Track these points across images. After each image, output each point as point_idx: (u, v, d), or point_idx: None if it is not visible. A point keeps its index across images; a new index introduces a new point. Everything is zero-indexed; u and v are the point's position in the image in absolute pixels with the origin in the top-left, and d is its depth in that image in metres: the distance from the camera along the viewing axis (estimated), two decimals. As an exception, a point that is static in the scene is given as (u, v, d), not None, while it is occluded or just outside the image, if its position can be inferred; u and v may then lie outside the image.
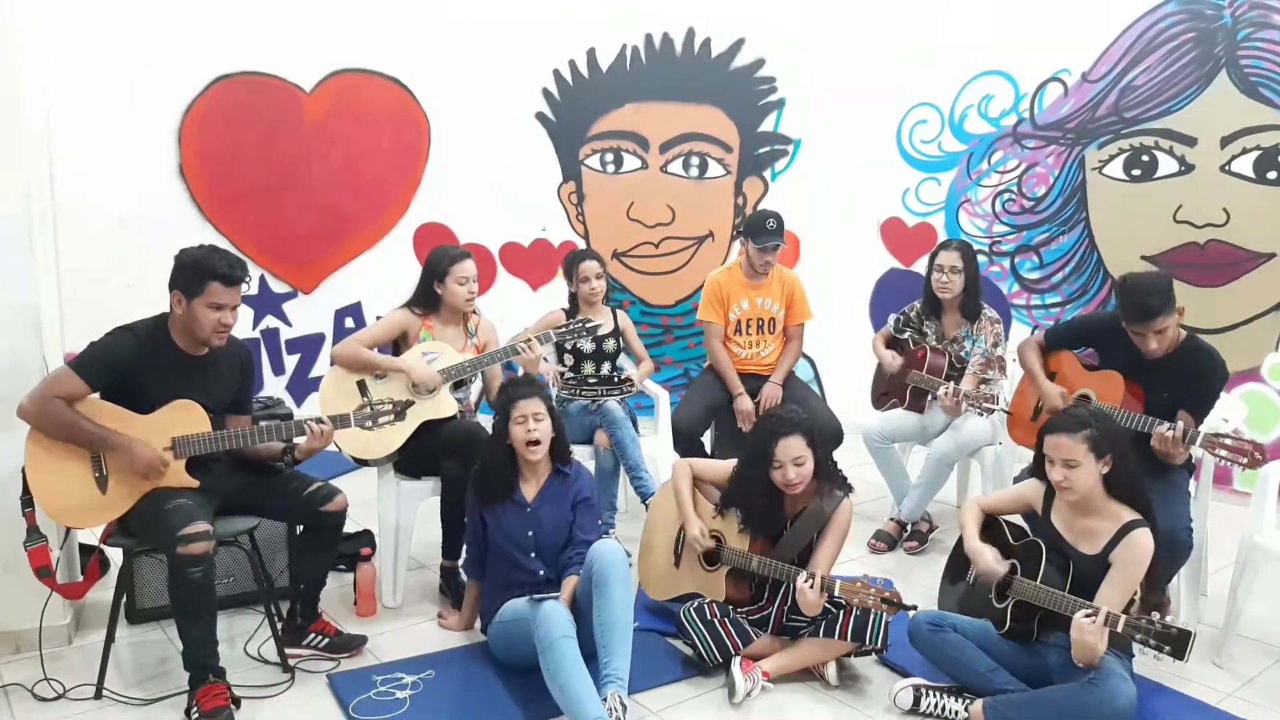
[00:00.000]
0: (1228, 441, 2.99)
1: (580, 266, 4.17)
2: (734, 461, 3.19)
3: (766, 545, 3.03)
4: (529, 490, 3.09)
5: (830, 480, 3.05)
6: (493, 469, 3.09)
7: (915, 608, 2.85)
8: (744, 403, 4.14)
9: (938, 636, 2.79)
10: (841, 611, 2.91)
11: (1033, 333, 3.82)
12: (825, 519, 3.00)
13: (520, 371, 3.64)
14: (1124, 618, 2.43)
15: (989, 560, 2.82)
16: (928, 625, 2.82)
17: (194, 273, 2.78)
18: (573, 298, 4.26)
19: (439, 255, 3.60)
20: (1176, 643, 2.33)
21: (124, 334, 2.81)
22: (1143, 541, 2.59)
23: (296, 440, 2.99)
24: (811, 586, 2.81)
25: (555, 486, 3.10)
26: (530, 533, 3.03)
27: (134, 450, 2.72)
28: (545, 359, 4.09)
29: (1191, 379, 3.18)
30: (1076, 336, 3.59)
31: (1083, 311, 5.10)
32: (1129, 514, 2.65)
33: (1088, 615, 2.47)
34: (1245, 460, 2.96)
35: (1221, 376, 3.21)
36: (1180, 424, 3.05)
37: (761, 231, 4.12)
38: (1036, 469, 2.84)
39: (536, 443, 3.01)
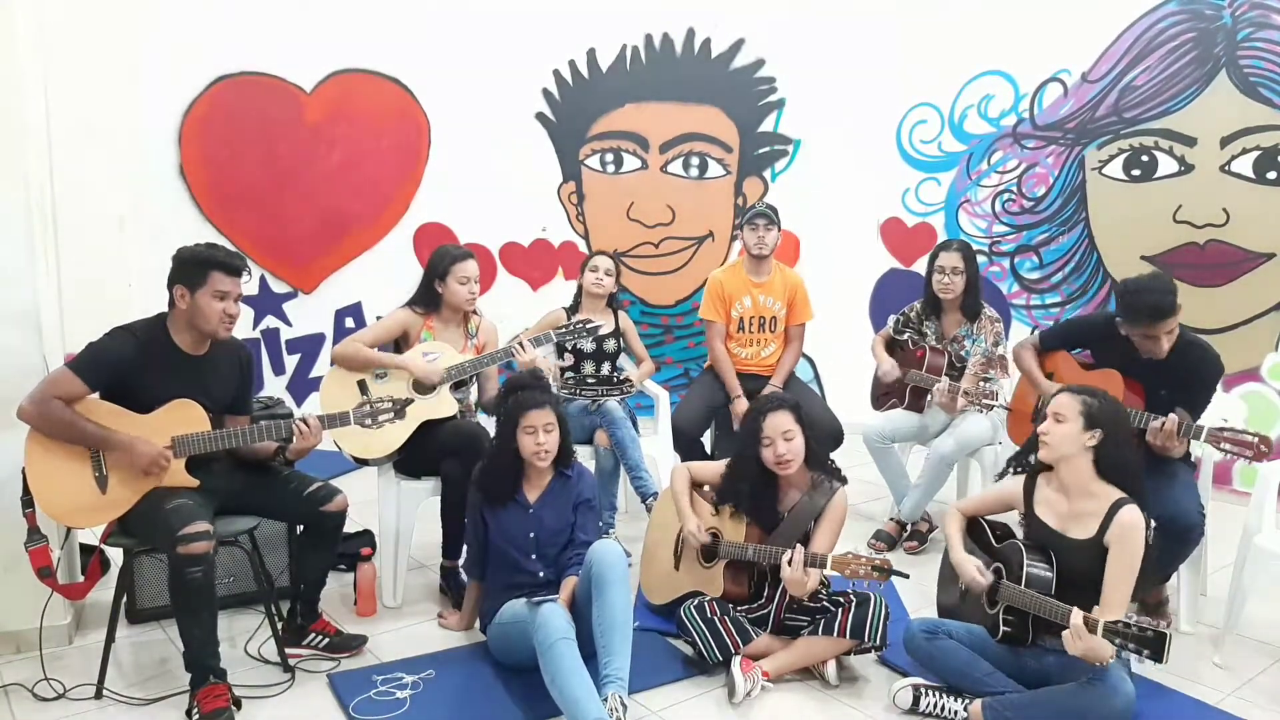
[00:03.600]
0: (1229, 434, 3.00)
1: (596, 258, 4.24)
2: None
3: (762, 538, 3.04)
4: (531, 492, 3.08)
5: (823, 472, 3.08)
6: (498, 472, 3.06)
7: (907, 575, 2.85)
8: (741, 405, 4.14)
9: (933, 644, 2.79)
10: (840, 609, 2.91)
11: (1032, 332, 3.82)
12: (819, 510, 3.02)
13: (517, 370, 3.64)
14: (1102, 622, 2.40)
15: (972, 572, 2.81)
16: (922, 634, 2.82)
17: (195, 265, 2.81)
18: (576, 294, 4.27)
19: (441, 254, 3.60)
20: (1154, 644, 2.31)
21: (123, 334, 2.81)
22: (1133, 518, 2.58)
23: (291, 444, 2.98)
24: (790, 563, 2.82)
25: (557, 488, 3.09)
26: (531, 534, 3.02)
27: (135, 448, 2.72)
28: (545, 357, 4.10)
29: (1188, 375, 3.19)
30: (1071, 338, 3.60)
31: (1082, 311, 5.11)
32: (1116, 493, 2.64)
33: (1076, 618, 2.46)
34: (1250, 453, 2.96)
35: (1217, 370, 3.22)
36: (1174, 417, 3.06)
37: (750, 212, 4.21)
38: (1023, 459, 2.85)
39: (546, 453, 3.01)
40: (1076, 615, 2.45)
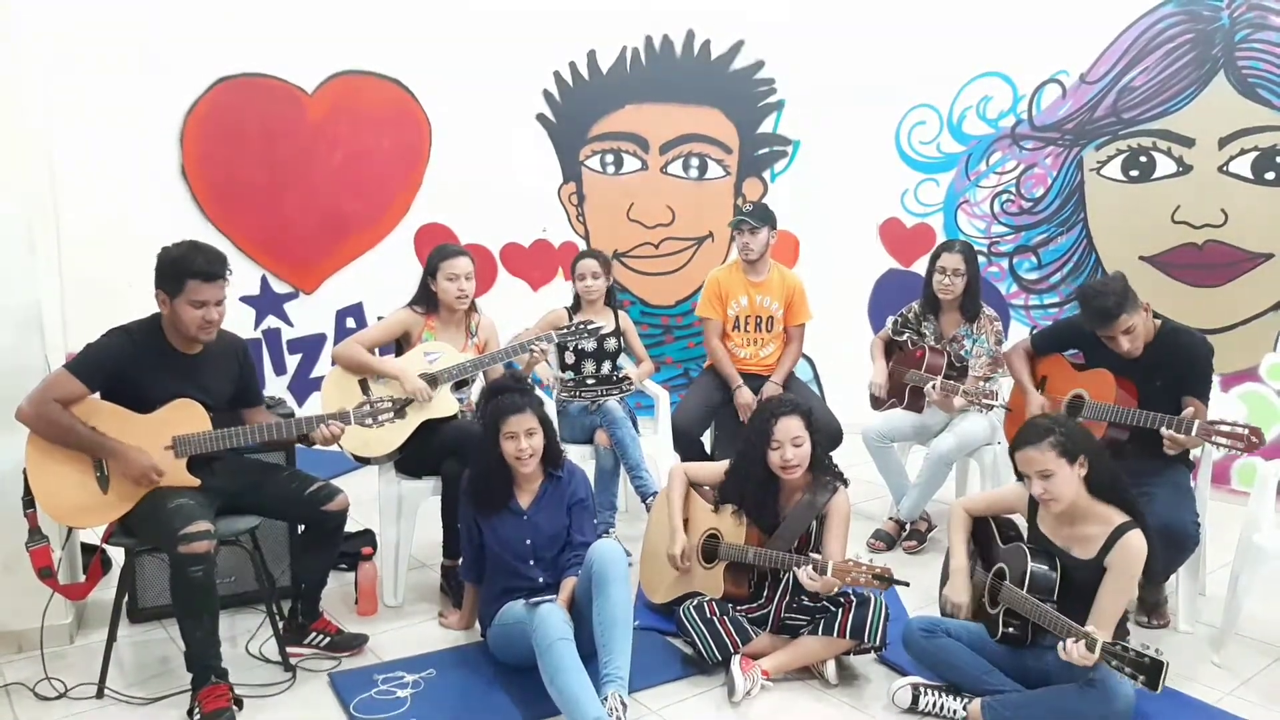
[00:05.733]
0: (1224, 428, 3.01)
1: (579, 264, 4.20)
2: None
3: (762, 538, 3.05)
4: (524, 498, 3.05)
5: (824, 472, 3.08)
6: (486, 479, 3.02)
7: (908, 584, 2.86)
8: (744, 395, 4.15)
9: (931, 642, 2.80)
10: (840, 609, 2.92)
11: (1031, 333, 3.83)
12: (819, 509, 3.02)
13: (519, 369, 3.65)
14: (1100, 642, 2.40)
15: (958, 590, 2.87)
16: (921, 631, 2.82)
17: (172, 271, 2.77)
18: (576, 295, 4.28)
19: (435, 252, 3.61)
20: (1150, 672, 2.30)
21: (119, 335, 2.82)
22: (1136, 545, 2.59)
23: (310, 434, 2.97)
24: (810, 580, 2.83)
25: (550, 491, 3.07)
26: (528, 541, 3.00)
27: (128, 457, 2.72)
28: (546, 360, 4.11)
29: (1178, 363, 3.22)
30: (1061, 339, 3.62)
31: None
32: (1119, 516, 2.64)
33: (1073, 642, 2.45)
34: (1242, 445, 2.98)
35: (1205, 352, 3.25)
36: (1189, 410, 3.08)
37: (735, 217, 4.23)
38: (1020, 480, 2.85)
39: (530, 458, 2.96)
40: (1076, 642, 2.44)
